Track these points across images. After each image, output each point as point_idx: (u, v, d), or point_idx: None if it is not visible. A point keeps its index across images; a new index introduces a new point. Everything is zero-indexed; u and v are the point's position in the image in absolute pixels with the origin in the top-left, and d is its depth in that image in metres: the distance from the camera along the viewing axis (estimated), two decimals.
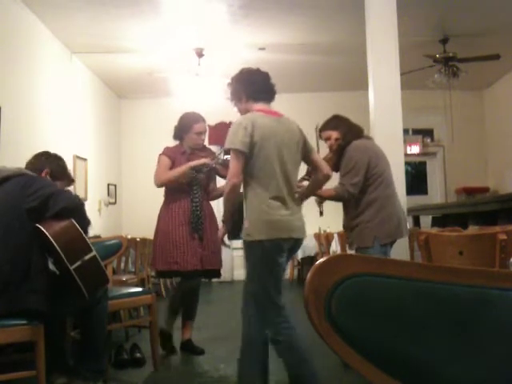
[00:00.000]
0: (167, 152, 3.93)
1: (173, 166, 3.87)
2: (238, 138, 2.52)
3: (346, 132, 3.43)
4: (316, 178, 2.85)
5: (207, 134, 4.13)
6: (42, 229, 2.48)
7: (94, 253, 2.55)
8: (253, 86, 2.71)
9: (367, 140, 3.53)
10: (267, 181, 2.57)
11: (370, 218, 3.27)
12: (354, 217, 3.35)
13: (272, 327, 2.59)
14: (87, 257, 2.52)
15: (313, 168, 2.86)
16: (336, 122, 3.51)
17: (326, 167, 2.80)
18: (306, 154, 2.75)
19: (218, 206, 4.56)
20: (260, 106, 2.69)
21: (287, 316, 2.60)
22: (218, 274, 3.96)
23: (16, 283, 2.47)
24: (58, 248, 2.46)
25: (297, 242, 2.67)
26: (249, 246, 2.59)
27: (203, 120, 3.91)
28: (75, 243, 2.52)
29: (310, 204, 4.26)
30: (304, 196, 2.90)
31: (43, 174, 2.85)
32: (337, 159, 3.42)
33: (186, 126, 3.88)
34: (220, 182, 3.96)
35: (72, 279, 2.49)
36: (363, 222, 3.29)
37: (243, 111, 2.73)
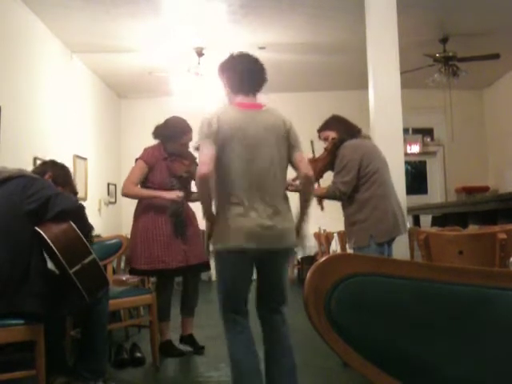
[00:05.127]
0: (146, 157, 3.78)
1: (151, 173, 3.75)
2: (204, 132, 2.36)
3: (342, 132, 3.46)
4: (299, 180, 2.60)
5: None
6: (41, 232, 2.48)
7: (93, 256, 2.55)
8: (234, 78, 2.51)
9: (363, 139, 3.53)
10: (229, 182, 2.36)
11: (365, 218, 3.29)
12: (349, 215, 3.39)
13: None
14: (87, 260, 2.51)
15: (293, 167, 2.56)
16: (333, 122, 3.54)
17: (305, 167, 2.49)
18: (288, 151, 2.48)
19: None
20: (239, 98, 2.50)
21: (247, 340, 2.42)
22: (206, 266, 3.85)
23: (15, 285, 2.46)
24: (57, 252, 2.45)
25: (269, 253, 2.40)
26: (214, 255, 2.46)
27: (191, 130, 3.78)
28: (74, 247, 2.51)
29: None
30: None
31: (46, 177, 2.86)
32: (331, 159, 3.44)
33: (173, 136, 3.76)
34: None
35: (72, 282, 2.49)
36: (359, 222, 3.32)
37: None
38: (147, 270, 3.77)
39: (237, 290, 2.45)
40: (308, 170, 2.49)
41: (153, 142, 3.94)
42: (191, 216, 3.85)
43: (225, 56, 2.62)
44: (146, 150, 3.85)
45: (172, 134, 3.76)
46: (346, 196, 3.33)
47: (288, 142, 2.48)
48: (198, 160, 2.39)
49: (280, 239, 2.41)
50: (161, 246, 3.66)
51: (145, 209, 3.76)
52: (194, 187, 3.61)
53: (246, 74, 2.51)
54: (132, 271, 3.86)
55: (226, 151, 2.36)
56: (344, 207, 3.46)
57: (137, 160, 3.82)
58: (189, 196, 3.77)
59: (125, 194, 3.79)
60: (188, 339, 3.91)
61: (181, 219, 3.72)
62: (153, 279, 6.46)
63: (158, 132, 3.85)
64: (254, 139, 2.40)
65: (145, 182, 3.79)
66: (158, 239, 3.66)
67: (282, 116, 2.53)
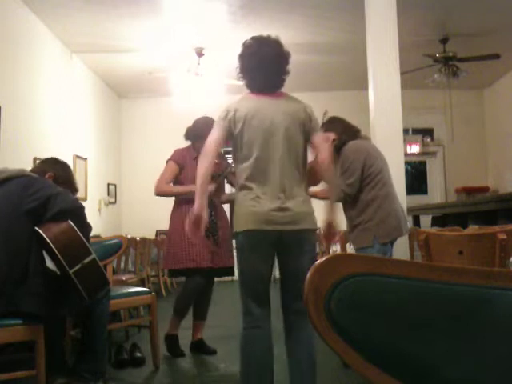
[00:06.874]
0: (176, 157, 3.84)
1: (182, 172, 3.80)
2: (219, 118, 2.47)
3: (341, 132, 3.43)
4: (313, 164, 2.62)
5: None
6: (41, 232, 2.47)
7: (93, 256, 2.53)
8: (250, 74, 2.52)
9: (363, 140, 3.51)
10: (246, 167, 2.42)
11: (369, 218, 3.26)
12: (353, 217, 3.35)
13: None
14: (87, 260, 2.50)
15: (313, 152, 2.57)
16: (332, 123, 3.51)
17: (323, 153, 2.51)
18: (308, 135, 2.50)
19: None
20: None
21: (257, 320, 2.40)
22: (231, 271, 3.87)
23: (13, 285, 2.46)
24: (56, 251, 2.44)
25: (285, 237, 2.40)
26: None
27: None
28: (74, 246, 2.50)
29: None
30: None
31: (47, 177, 2.85)
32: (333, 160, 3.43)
33: (202, 133, 3.70)
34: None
35: (72, 282, 2.48)
36: (363, 222, 3.28)
37: None
38: (178, 270, 3.82)
39: (252, 273, 2.45)
40: (325, 158, 2.51)
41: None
42: (223, 217, 3.88)
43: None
44: (176, 151, 3.92)
45: (200, 132, 3.78)
46: (351, 198, 3.31)
47: (309, 129, 2.49)
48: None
49: (294, 223, 2.41)
50: (192, 245, 3.68)
51: (178, 209, 3.82)
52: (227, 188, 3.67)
53: (262, 68, 2.52)
54: (170, 273, 4.02)
55: (244, 138, 2.43)
56: (347, 209, 3.41)
57: (168, 161, 3.88)
58: (219, 194, 3.83)
59: (158, 194, 3.82)
60: (198, 345, 3.88)
61: (212, 219, 3.72)
62: (153, 280, 6.48)
63: (188, 133, 3.93)
64: (275, 126, 2.42)
65: (177, 183, 3.84)
66: (190, 239, 3.65)
67: (303, 103, 2.54)
